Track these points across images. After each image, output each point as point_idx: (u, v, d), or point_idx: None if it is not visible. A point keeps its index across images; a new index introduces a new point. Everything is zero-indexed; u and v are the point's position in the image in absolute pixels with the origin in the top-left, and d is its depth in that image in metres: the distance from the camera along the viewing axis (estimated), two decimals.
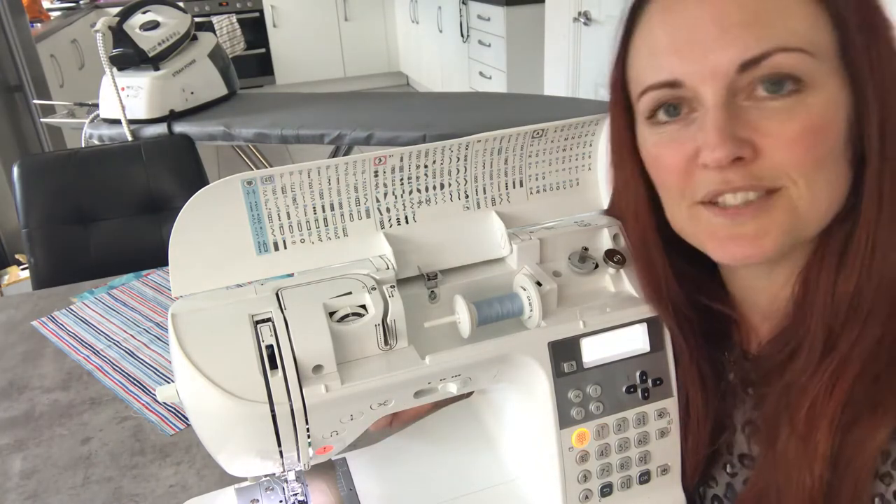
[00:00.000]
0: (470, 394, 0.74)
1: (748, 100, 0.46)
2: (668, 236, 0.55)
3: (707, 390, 0.59)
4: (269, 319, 0.49)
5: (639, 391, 0.58)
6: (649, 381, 0.58)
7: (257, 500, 0.64)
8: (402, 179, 0.55)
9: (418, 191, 0.56)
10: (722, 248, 0.50)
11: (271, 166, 0.62)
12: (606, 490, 0.59)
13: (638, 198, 0.56)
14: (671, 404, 0.59)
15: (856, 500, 0.47)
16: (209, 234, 0.51)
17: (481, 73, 3.97)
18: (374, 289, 0.51)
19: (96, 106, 2.17)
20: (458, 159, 0.56)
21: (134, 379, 1.01)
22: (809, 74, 0.45)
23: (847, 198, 0.49)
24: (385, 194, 0.55)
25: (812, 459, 0.48)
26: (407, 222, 0.56)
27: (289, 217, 0.52)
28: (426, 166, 0.55)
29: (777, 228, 0.48)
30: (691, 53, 0.47)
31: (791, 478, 0.49)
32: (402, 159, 0.53)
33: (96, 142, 2.13)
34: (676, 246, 0.55)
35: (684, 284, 0.57)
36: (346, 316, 0.51)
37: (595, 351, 0.56)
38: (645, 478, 0.60)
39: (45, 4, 3.80)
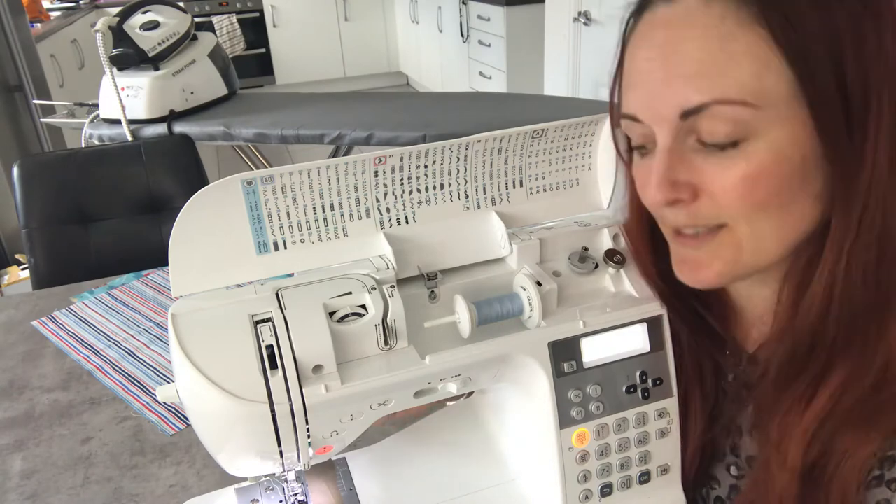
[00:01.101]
0: (470, 394, 0.74)
1: (699, 141, 0.47)
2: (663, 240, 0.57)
3: (705, 388, 0.60)
4: (269, 319, 0.49)
5: (639, 391, 0.58)
6: (649, 381, 0.58)
7: (257, 500, 0.64)
8: (402, 179, 0.55)
9: (418, 191, 0.56)
10: (678, 270, 0.54)
11: (271, 166, 0.62)
12: (606, 490, 0.59)
13: (633, 202, 0.58)
14: (671, 404, 0.59)
15: None
16: (209, 234, 0.51)
17: (481, 73, 3.97)
18: (374, 289, 0.51)
19: (96, 106, 2.17)
20: (458, 159, 0.56)
21: (134, 379, 1.01)
22: (751, 125, 0.45)
23: (814, 229, 0.49)
24: (385, 194, 0.55)
25: (782, 468, 0.49)
26: (407, 222, 0.56)
27: (289, 217, 0.52)
28: (426, 166, 0.55)
29: (719, 260, 0.50)
30: (643, 95, 0.49)
31: (767, 486, 0.51)
32: (402, 159, 0.53)
33: (96, 142, 2.13)
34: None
35: (677, 286, 0.57)
36: (346, 316, 0.50)
37: (595, 351, 0.56)
38: (645, 478, 0.60)
39: (45, 4, 3.80)
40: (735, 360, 0.60)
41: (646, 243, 0.58)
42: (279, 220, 0.52)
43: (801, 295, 0.50)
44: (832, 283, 0.47)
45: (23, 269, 2.39)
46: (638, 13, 0.50)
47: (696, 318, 0.60)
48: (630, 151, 0.55)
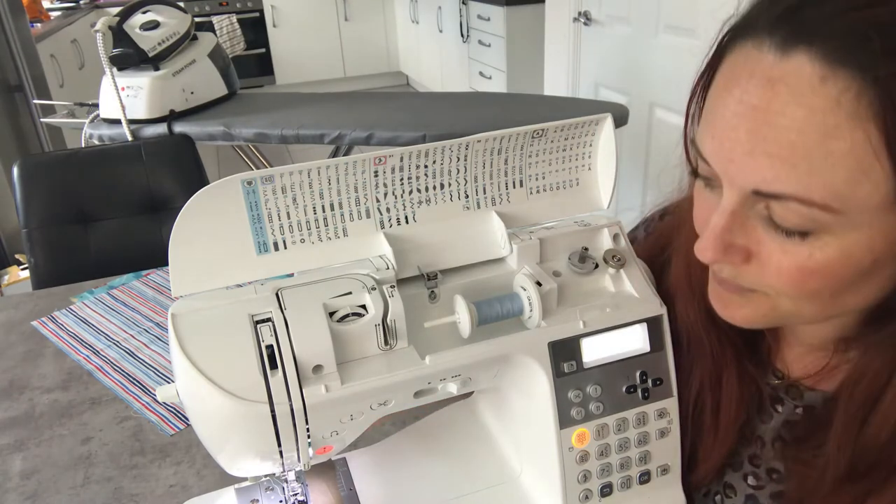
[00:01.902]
0: (470, 394, 0.74)
1: (767, 209, 0.43)
2: None
3: (743, 396, 0.58)
4: (269, 319, 0.49)
5: (639, 391, 0.58)
6: (649, 381, 0.58)
7: (257, 500, 0.64)
8: (402, 179, 0.55)
9: (418, 191, 0.56)
10: (711, 298, 0.52)
11: (271, 166, 0.62)
12: (606, 490, 0.59)
13: (690, 231, 0.55)
14: (671, 404, 0.59)
15: None
16: (209, 234, 0.51)
17: (481, 73, 3.97)
18: (374, 289, 0.51)
19: (96, 106, 2.17)
20: (458, 159, 0.56)
21: (134, 379, 1.01)
22: (826, 226, 0.41)
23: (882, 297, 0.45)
24: (385, 194, 0.55)
25: None
26: (407, 222, 0.56)
27: (289, 217, 0.52)
28: (426, 166, 0.55)
29: (751, 310, 0.49)
30: (721, 150, 0.44)
31: None
32: (402, 159, 0.53)
33: (96, 142, 2.13)
34: None
35: None
36: (346, 316, 0.50)
37: (595, 351, 0.56)
38: (645, 478, 0.60)
39: (45, 4, 3.80)
40: (761, 370, 0.59)
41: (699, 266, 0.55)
42: (279, 220, 0.52)
43: (870, 414, 0.46)
44: None
45: (23, 269, 2.39)
46: (741, 37, 0.44)
47: (735, 330, 0.58)
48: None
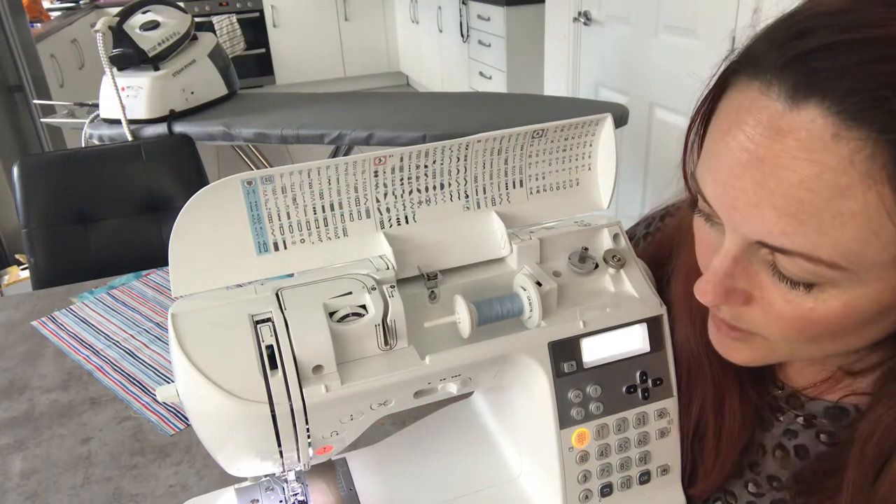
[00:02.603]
0: (470, 394, 0.74)
1: (770, 256, 0.42)
2: None
3: (746, 420, 0.58)
4: (269, 319, 0.49)
5: (639, 391, 0.58)
6: (649, 381, 0.58)
7: (257, 500, 0.64)
8: (402, 179, 0.55)
9: (418, 191, 0.56)
10: (710, 335, 0.53)
11: (271, 166, 0.62)
12: (606, 490, 0.59)
13: (690, 254, 0.55)
14: (671, 404, 0.59)
15: None
16: (209, 234, 0.51)
17: (481, 73, 3.97)
18: (374, 289, 0.51)
19: (96, 106, 2.17)
20: (458, 159, 0.56)
21: (134, 379, 1.01)
22: (832, 280, 0.40)
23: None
24: (385, 194, 0.55)
25: None
26: (407, 222, 0.56)
27: (289, 217, 0.52)
28: (426, 166, 0.55)
29: (753, 354, 0.49)
30: (725, 196, 0.42)
31: None
32: (402, 159, 0.53)
33: (96, 142, 2.13)
34: None
35: None
36: (346, 316, 0.50)
37: (595, 351, 0.56)
38: (645, 478, 0.60)
39: (45, 4, 3.81)
40: (762, 384, 0.59)
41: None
42: (279, 220, 0.52)
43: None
44: None
45: (23, 269, 2.39)
46: (745, 74, 0.42)
47: None
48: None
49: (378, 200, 0.55)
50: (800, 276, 0.41)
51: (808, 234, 0.38)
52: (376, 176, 0.54)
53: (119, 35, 2.06)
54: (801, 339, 0.44)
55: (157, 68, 2.13)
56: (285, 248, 0.53)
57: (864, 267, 0.39)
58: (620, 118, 2.03)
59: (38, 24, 3.37)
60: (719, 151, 0.42)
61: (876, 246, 0.38)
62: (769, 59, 0.40)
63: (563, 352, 0.55)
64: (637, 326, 0.57)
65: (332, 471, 0.69)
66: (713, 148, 0.43)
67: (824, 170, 0.37)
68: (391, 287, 0.51)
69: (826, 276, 0.40)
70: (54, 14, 3.82)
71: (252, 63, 5.07)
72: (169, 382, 0.51)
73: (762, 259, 0.43)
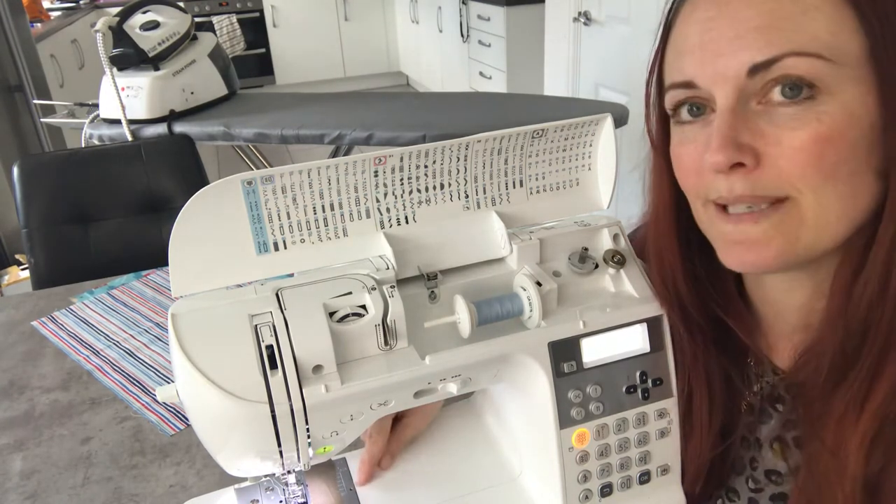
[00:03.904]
0: (470, 394, 0.74)
1: (761, 104, 0.45)
2: (691, 241, 0.56)
3: (714, 397, 0.58)
4: (269, 320, 0.49)
5: (639, 391, 0.58)
6: (649, 382, 0.58)
7: (257, 500, 0.64)
8: (402, 179, 0.55)
9: (418, 191, 0.56)
10: (727, 252, 0.51)
11: (271, 166, 0.62)
12: (606, 490, 0.59)
13: (662, 196, 0.57)
14: (671, 404, 0.59)
15: None
16: (209, 234, 0.51)
17: (481, 73, 3.97)
18: (374, 289, 0.51)
19: (96, 106, 2.17)
20: (458, 159, 0.56)
21: (134, 379, 1.01)
22: (824, 80, 0.43)
23: (874, 208, 0.46)
24: (385, 194, 0.55)
25: (842, 476, 0.46)
26: (407, 222, 0.56)
27: (289, 217, 0.52)
28: (426, 166, 0.55)
29: (781, 236, 0.47)
30: (704, 56, 0.47)
31: (824, 496, 0.48)
32: (402, 159, 0.53)
33: (96, 142, 2.14)
34: (700, 254, 0.56)
35: (700, 291, 0.56)
36: (346, 316, 0.50)
37: (595, 351, 0.56)
38: (645, 478, 0.60)
39: (45, 4, 3.80)
40: (758, 372, 0.59)
41: (672, 239, 0.56)
42: (279, 220, 0.52)
43: (854, 281, 0.47)
44: (888, 264, 0.45)
45: (23, 269, 2.39)
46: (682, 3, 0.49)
47: (715, 326, 0.58)
48: (665, 136, 0.54)
49: (378, 200, 0.55)
50: (795, 82, 0.43)
51: (789, 34, 0.43)
52: (376, 176, 0.54)
53: (119, 35, 2.06)
54: (821, 174, 0.44)
55: (157, 68, 2.13)
56: (285, 248, 0.53)
57: (842, 60, 0.43)
58: (620, 118, 2.03)
59: (38, 24, 3.37)
60: (687, 29, 0.48)
61: (844, 36, 0.43)
62: None
63: (563, 352, 0.55)
64: (637, 326, 0.57)
65: (332, 471, 0.69)
66: (683, 34, 0.49)
67: None
68: (391, 287, 0.51)
69: (818, 78, 0.43)
70: (54, 14, 3.82)
71: (252, 63, 5.07)
72: (169, 382, 0.51)
73: (755, 111, 0.46)
